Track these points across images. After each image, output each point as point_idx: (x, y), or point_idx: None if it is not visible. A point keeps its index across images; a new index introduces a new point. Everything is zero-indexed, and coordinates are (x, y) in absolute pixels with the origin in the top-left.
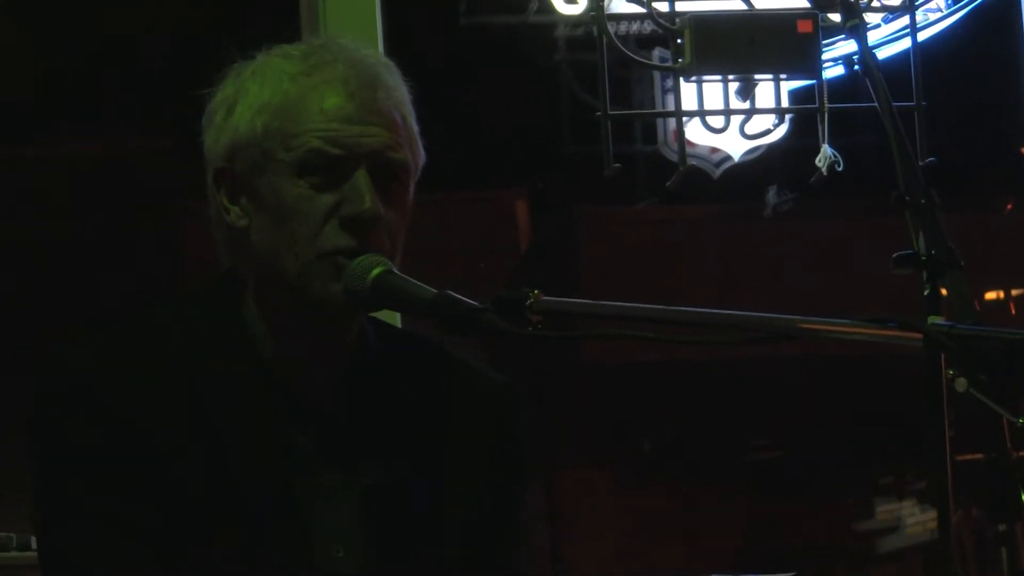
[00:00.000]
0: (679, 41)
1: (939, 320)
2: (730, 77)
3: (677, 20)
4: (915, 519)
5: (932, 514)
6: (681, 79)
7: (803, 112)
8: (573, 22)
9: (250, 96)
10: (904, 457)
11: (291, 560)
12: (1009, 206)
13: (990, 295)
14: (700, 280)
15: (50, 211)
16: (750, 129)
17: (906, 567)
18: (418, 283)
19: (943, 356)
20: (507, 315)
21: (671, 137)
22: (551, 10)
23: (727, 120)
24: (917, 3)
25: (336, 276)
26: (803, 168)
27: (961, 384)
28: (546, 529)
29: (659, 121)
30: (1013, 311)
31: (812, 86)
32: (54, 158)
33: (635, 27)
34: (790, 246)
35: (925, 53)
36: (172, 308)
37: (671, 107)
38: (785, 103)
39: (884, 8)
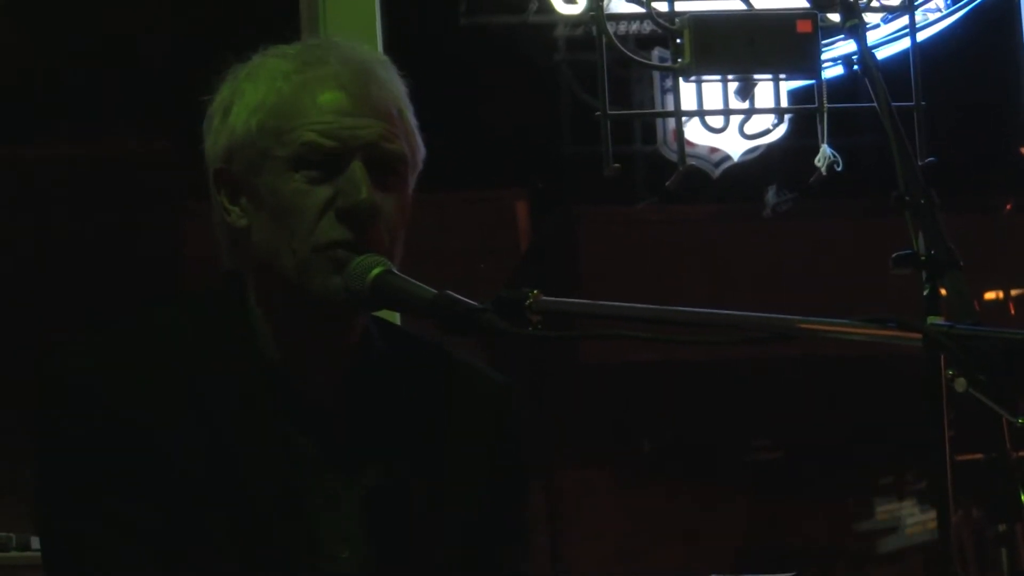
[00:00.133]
0: (678, 41)
1: (938, 320)
2: (729, 77)
3: (676, 20)
4: (915, 519)
5: (932, 514)
6: (680, 79)
7: (802, 112)
8: (573, 22)
9: (246, 97)
10: (904, 457)
11: (294, 561)
12: (1009, 206)
13: (990, 295)
14: (699, 280)
15: (50, 211)
16: (749, 129)
17: (906, 567)
18: (418, 283)
19: (942, 356)
20: (507, 315)
21: (670, 137)
22: (551, 10)
23: (726, 120)
24: (916, 3)
25: (335, 270)
26: (802, 168)
27: (960, 384)
28: (546, 529)
29: (658, 121)
30: (1013, 311)
31: (811, 86)
32: (54, 158)
33: (635, 27)
34: (789, 246)
35: (924, 53)
36: (174, 309)
37: (670, 107)
38: (784, 103)
39: (883, 8)
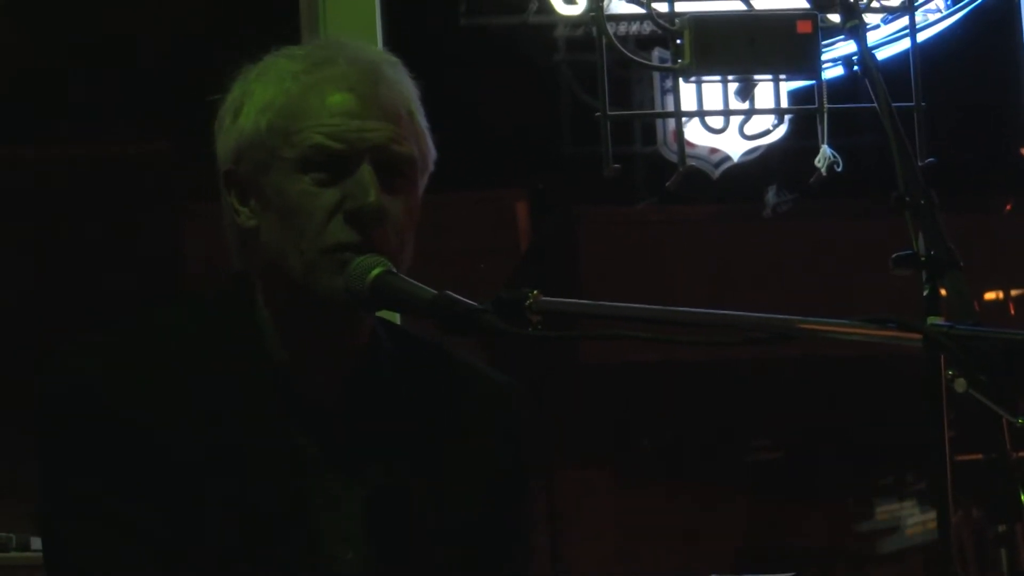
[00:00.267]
0: (678, 41)
1: (938, 320)
2: (729, 77)
3: (676, 20)
4: (915, 519)
5: (932, 514)
6: (680, 79)
7: (802, 113)
8: (573, 23)
9: (255, 97)
10: (904, 457)
11: (296, 562)
12: (1009, 206)
13: (990, 295)
14: (699, 280)
15: (50, 211)
16: (749, 129)
17: (906, 567)
18: (418, 283)
19: (942, 356)
20: (507, 315)
21: (670, 137)
22: (551, 11)
23: (726, 120)
24: (916, 4)
25: (341, 272)
26: (802, 168)
27: (960, 384)
28: (546, 529)
29: (658, 121)
30: (1013, 311)
31: (811, 86)
32: (54, 158)
33: (635, 27)
34: (789, 247)
35: (925, 53)
36: (178, 308)
37: (670, 107)
38: (784, 104)
39: (884, 9)
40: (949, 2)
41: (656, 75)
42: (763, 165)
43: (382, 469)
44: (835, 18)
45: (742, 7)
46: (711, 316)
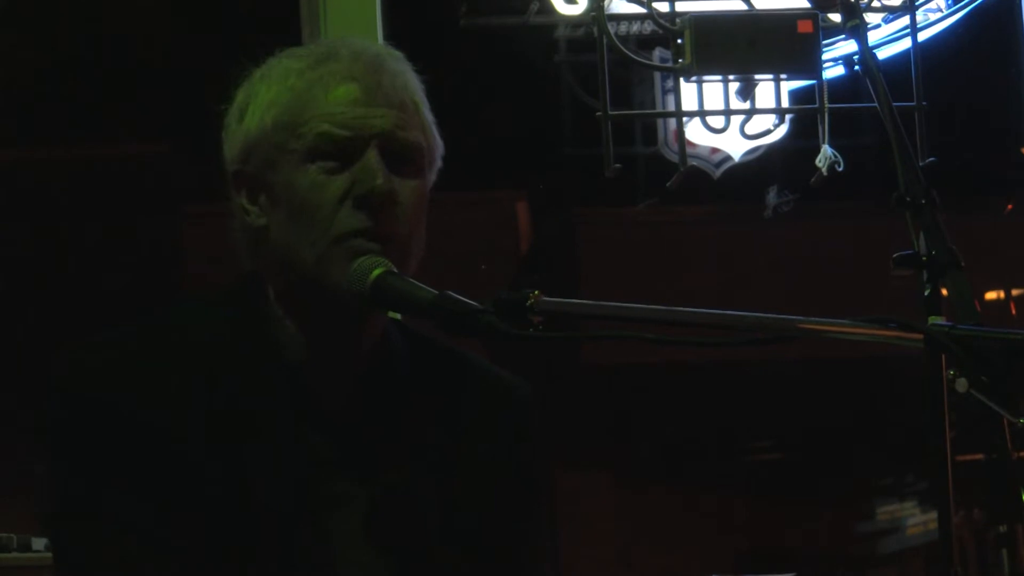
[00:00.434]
0: (679, 41)
1: (940, 320)
2: (730, 77)
3: (677, 20)
4: (916, 520)
5: (933, 515)
6: (681, 79)
7: (803, 112)
8: (573, 23)
9: (260, 97)
10: (904, 458)
11: (308, 563)
12: (1009, 206)
13: (990, 295)
14: (700, 281)
15: (50, 212)
16: (750, 129)
17: (907, 568)
18: (419, 284)
19: (943, 357)
20: (508, 316)
21: (671, 137)
22: (551, 11)
23: (727, 120)
24: (917, 3)
25: (352, 262)
26: (803, 168)
27: (961, 385)
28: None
29: (659, 122)
30: (1013, 311)
31: (812, 86)
32: (54, 159)
33: (635, 27)
34: (790, 246)
35: (925, 53)
36: (189, 308)
37: (671, 107)
38: (785, 103)
39: (884, 8)
40: (950, 2)
41: (657, 75)
42: (764, 165)
43: (393, 469)
44: (836, 18)
45: (743, 7)
46: (711, 316)
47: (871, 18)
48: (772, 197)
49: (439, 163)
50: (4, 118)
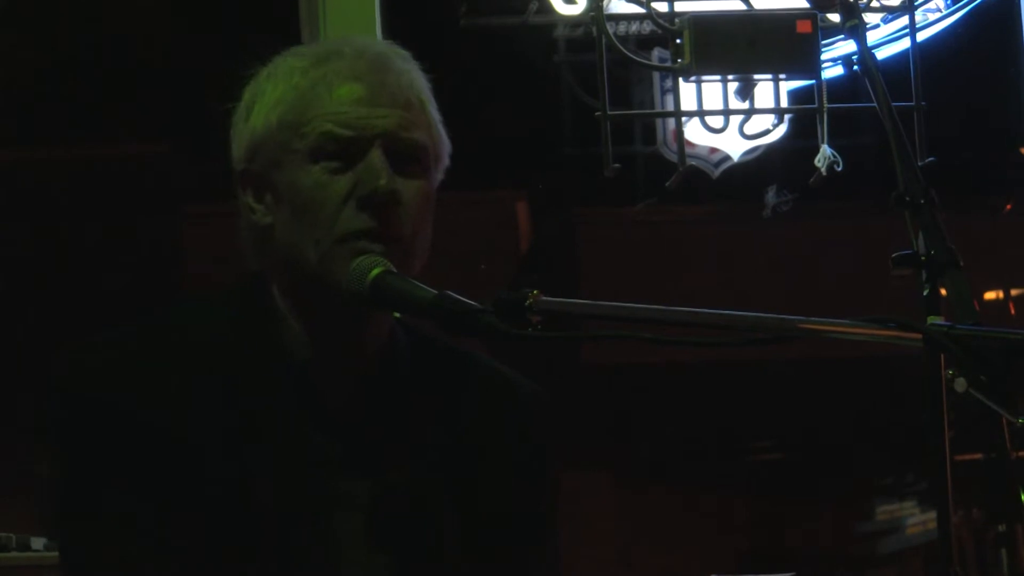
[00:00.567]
0: (678, 41)
1: (939, 320)
2: (729, 77)
3: (676, 20)
4: (915, 519)
5: (932, 514)
6: (680, 79)
7: (802, 112)
8: (573, 23)
9: (265, 96)
10: (904, 458)
11: (311, 563)
12: (1009, 206)
13: (989, 295)
14: (700, 280)
15: (50, 212)
16: (749, 129)
17: (906, 568)
18: (418, 283)
19: (942, 356)
20: (507, 316)
21: (670, 137)
22: (551, 11)
23: (726, 120)
24: (916, 3)
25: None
26: (802, 168)
27: (961, 384)
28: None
29: (658, 121)
30: (1012, 311)
31: (811, 86)
32: (54, 159)
33: (634, 27)
34: (790, 246)
35: (924, 53)
36: (194, 307)
37: (670, 107)
38: (784, 103)
39: (883, 8)
40: (949, 1)
41: (656, 75)
42: (763, 165)
43: (397, 469)
44: (835, 18)
45: (742, 7)
46: (711, 316)
47: (870, 18)
48: (771, 197)
49: (446, 161)
50: (4, 118)
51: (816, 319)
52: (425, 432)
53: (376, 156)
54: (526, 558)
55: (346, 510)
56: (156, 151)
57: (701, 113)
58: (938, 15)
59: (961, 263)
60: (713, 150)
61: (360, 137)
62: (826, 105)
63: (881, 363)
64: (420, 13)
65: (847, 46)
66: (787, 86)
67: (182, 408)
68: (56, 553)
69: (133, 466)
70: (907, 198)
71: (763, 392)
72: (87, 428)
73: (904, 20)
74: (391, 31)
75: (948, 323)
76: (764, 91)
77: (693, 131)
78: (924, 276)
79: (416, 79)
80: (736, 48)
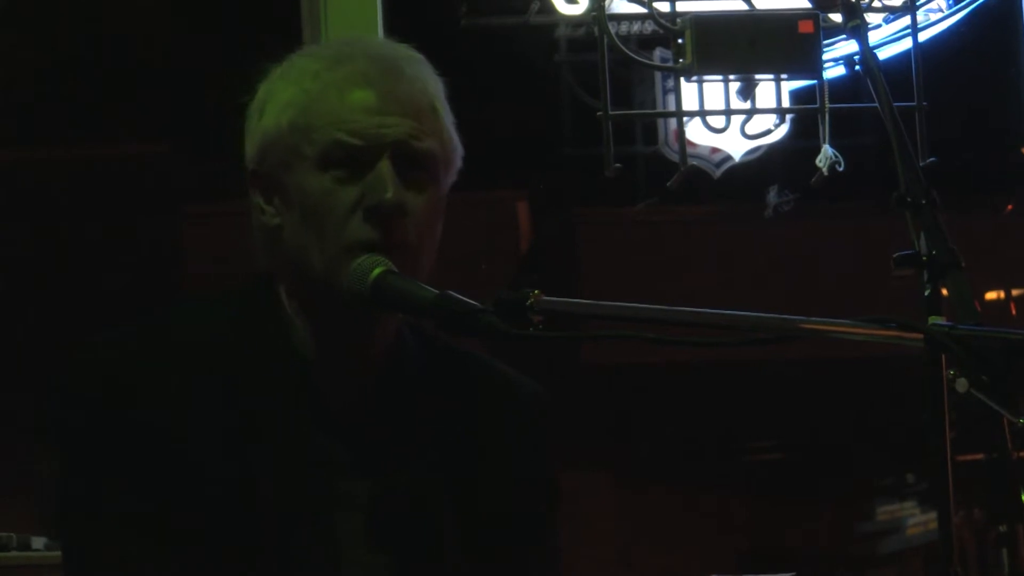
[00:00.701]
0: (680, 41)
1: (940, 320)
2: (731, 77)
3: (678, 20)
4: (916, 520)
5: (933, 515)
6: (682, 79)
7: (804, 112)
8: (574, 23)
9: (277, 96)
10: (905, 458)
11: (315, 564)
12: (1009, 206)
13: (990, 295)
14: (700, 280)
15: (50, 212)
16: (751, 129)
17: (907, 568)
18: (419, 283)
19: (944, 357)
20: (508, 316)
21: (672, 137)
22: (552, 11)
23: (728, 120)
24: (918, 3)
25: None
26: (804, 168)
27: (962, 385)
28: None
29: (660, 121)
30: (1013, 311)
31: (813, 86)
32: (54, 159)
33: (636, 27)
34: (790, 246)
35: (926, 53)
36: (202, 306)
37: (672, 107)
38: (786, 103)
39: (885, 8)
40: (951, 2)
41: (657, 75)
42: (764, 165)
43: (400, 471)
44: (836, 18)
45: (743, 7)
46: (712, 316)
47: (872, 18)
48: (772, 197)
49: (458, 166)
50: (4, 118)
51: (817, 319)
52: (429, 434)
53: (384, 167)
54: (526, 558)
55: (346, 510)
56: (156, 151)
57: (702, 113)
58: (940, 15)
59: (962, 263)
60: (715, 150)
61: (370, 147)
62: (827, 105)
63: (881, 363)
64: (420, 13)
65: (849, 46)
66: (789, 86)
67: (184, 408)
68: (57, 553)
69: (134, 466)
70: (908, 198)
71: (763, 392)
72: (89, 428)
73: (906, 20)
74: (392, 31)
75: (949, 323)
76: (766, 91)
77: (694, 131)
78: (925, 276)
79: (429, 85)
80: (738, 48)
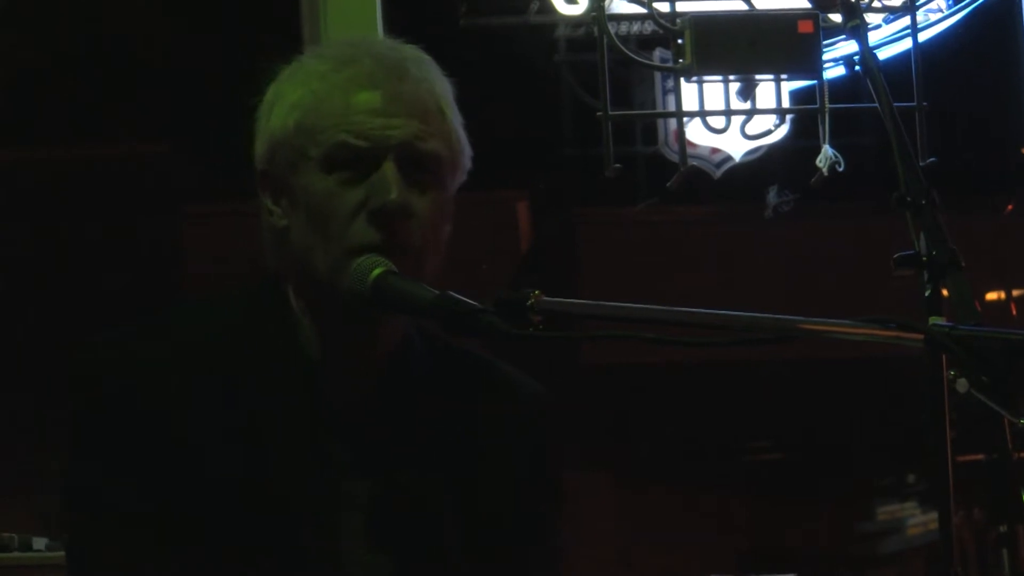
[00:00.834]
0: (680, 41)
1: (940, 321)
2: (731, 77)
3: (678, 20)
4: (916, 520)
5: (933, 515)
6: (682, 79)
7: (804, 112)
8: (574, 23)
9: (284, 97)
10: (905, 458)
11: (317, 564)
12: (1009, 206)
13: (990, 295)
14: (700, 280)
15: (50, 212)
16: (751, 129)
17: (907, 568)
18: (420, 284)
19: (944, 357)
20: (508, 316)
21: (672, 138)
22: (551, 11)
23: (728, 120)
24: (918, 4)
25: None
26: (804, 169)
27: (962, 385)
28: None
29: (660, 122)
30: (1013, 311)
31: (813, 86)
32: (54, 159)
33: (636, 27)
34: (790, 246)
35: (926, 53)
36: (210, 304)
37: (672, 108)
38: (786, 103)
39: (885, 9)
40: (950, 2)
41: (657, 75)
42: (764, 165)
43: (403, 471)
44: (836, 18)
45: (743, 7)
46: (712, 316)
47: (872, 18)
48: (772, 197)
49: (466, 167)
50: (4, 118)
51: (816, 319)
52: (433, 434)
53: (389, 169)
54: (526, 558)
55: (347, 510)
56: (156, 151)
57: (702, 113)
58: (939, 15)
59: (962, 264)
60: (714, 150)
61: (374, 148)
62: (827, 105)
63: (881, 363)
64: (420, 13)
65: (848, 46)
66: (788, 86)
67: (185, 407)
68: (58, 554)
69: (136, 465)
70: (908, 199)
71: (763, 392)
72: (90, 427)
73: (906, 20)
74: (391, 31)
75: (950, 324)
76: (765, 91)
77: (694, 131)
78: (926, 277)
79: (436, 86)
80: (737, 48)
